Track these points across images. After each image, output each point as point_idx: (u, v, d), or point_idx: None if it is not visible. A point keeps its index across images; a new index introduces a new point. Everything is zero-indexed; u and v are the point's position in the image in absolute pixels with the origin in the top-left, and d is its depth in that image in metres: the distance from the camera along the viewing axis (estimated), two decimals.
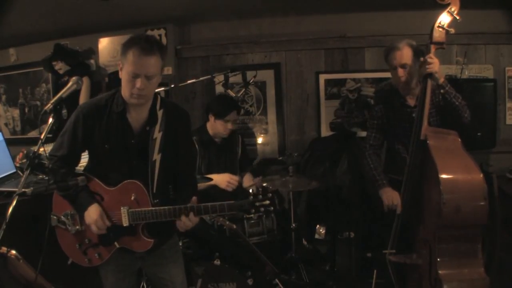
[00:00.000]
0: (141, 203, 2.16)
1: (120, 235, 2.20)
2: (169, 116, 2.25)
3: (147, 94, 2.11)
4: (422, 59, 2.66)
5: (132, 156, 2.19)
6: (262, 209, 2.13)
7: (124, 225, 2.16)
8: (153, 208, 2.13)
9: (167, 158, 2.23)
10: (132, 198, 2.16)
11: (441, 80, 2.68)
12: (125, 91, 2.11)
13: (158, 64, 2.10)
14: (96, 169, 2.25)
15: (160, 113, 2.22)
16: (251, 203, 2.12)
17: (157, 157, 2.20)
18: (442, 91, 2.70)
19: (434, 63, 2.61)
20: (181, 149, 2.32)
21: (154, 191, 2.19)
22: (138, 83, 2.04)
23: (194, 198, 2.19)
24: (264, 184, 3.51)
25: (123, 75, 2.09)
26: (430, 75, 2.63)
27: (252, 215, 2.19)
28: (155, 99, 2.23)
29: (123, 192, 2.18)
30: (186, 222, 2.14)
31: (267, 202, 2.12)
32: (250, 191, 2.17)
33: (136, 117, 2.20)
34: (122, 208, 2.15)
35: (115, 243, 2.22)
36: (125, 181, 2.17)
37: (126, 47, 2.07)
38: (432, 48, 2.62)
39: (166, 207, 2.13)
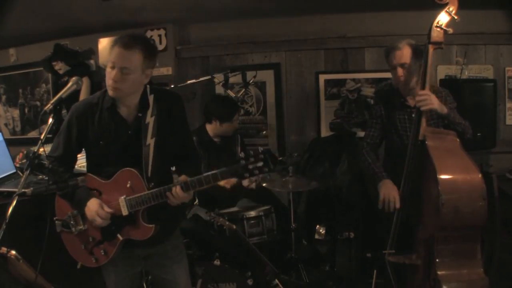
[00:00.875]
0: (136, 189, 2.15)
1: (122, 226, 2.20)
2: (160, 100, 2.26)
3: (121, 89, 2.11)
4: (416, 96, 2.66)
5: (128, 146, 2.20)
6: (257, 171, 2.01)
7: (124, 214, 2.16)
8: (147, 192, 2.13)
9: (162, 142, 2.23)
10: (128, 185, 2.16)
11: (444, 111, 2.66)
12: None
13: (136, 60, 2.09)
14: (94, 166, 2.28)
15: (151, 98, 2.24)
16: (244, 167, 2.01)
17: (150, 141, 2.20)
18: (446, 121, 2.70)
19: (425, 100, 2.59)
20: (177, 131, 2.32)
21: (149, 175, 2.18)
22: (112, 74, 2.07)
23: (182, 176, 2.16)
24: (264, 184, 3.53)
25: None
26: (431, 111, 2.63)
27: (248, 178, 2.06)
28: (145, 88, 2.25)
29: (118, 182, 2.18)
30: (176, 196, 2.10)
31: (261, 163, 2.01)
32: (241, 155, 2.04)
33: (127, 109, 2.21)
34: (119, 197, 2.15)
35: (118, 235, 2.21)
36: (120, 171, 2.18)
37: (113, 42, 2.12)
38: (430, 48, 2.61)
39: (157, 188, 2.12)
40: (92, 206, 2.15)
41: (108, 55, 2.14)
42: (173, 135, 2.29)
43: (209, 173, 2.08)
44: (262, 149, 2.04)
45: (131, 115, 2.22)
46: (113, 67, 2.08)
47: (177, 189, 2.10)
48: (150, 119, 2.21)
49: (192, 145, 2.50)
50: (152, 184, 2.17)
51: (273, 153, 2.07)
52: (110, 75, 2.08)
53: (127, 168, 2.17)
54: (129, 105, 2.21)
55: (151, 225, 2.18)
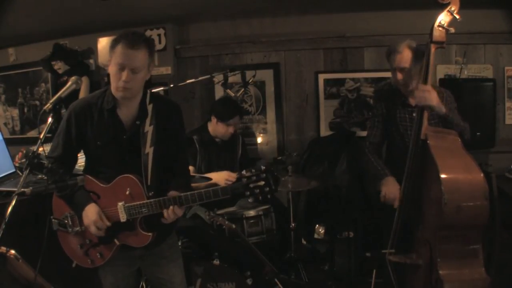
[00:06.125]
0: (136, 197, 2.15)
1: (120, 231, 2.20)
2: (159, 109, 2.26)
3: (132, 88, 2.11)
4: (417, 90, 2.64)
5: (124, 151, 2.20)
6: (257, 190, 2.03)
7: (122, 220, 2.16)
8: (147, 201, 2.13)
9: (160, 151, 2.23)
10: (127, 192, 2.16)
11: (443, 111, 2.65)
12: (112, 85, 2.13)
13: (144, 58, 2.10)
14: (92, 167, 2.27)
15: (150, 107, 2.24)
16: (245, 186, 2.05)
17: (149, 150, 2.20)
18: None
19: (425, 96, 2.57)
20: (174, 142, 2.32)
21: (149, 183, 2.19)
22: (124, 75, 2.05)
23: (172, 192, 2.17)
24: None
25: (111, 69, 2.11)
26: (430, 108, 2.62)
27: (249, 198, 2.08)
28: (145, 94, 2.25)
29: (118, 187, 2.18)
30: (171, 214, 2.13)
31: (262, 183, 2.03)
32: (243, 172, 2.07)
33: (127, 113, 2.21)
34: (118, 204, 2.15)
35: (115, 240, 2.21)
36: (119, 177, 2.18)
37: (114, 41, 2.09)
38: (432, 47, 2.61)
39: (158, 199, 2.12)
40: (91, 213, 2.15)
41: (109, 55, 2.12)
42: (169, 145, 2.29)
43: (210, 189, 2.10)
44: (264, 167, 2.05)
45: (129, 120, 2.22)
46: (122, 68, 2.06)
47: (174, 208, 2.12)
48: (149, 128, 2.21)
49: (184, 160, 2.49)
50: (152, 192, 2.17)
51: (276, 174, 2.07)
52: (119, 76, 2.07)
53: (127, 175, 2.17)
54: (129, 109, 2.20)
55: (149, 233, 2.19)
